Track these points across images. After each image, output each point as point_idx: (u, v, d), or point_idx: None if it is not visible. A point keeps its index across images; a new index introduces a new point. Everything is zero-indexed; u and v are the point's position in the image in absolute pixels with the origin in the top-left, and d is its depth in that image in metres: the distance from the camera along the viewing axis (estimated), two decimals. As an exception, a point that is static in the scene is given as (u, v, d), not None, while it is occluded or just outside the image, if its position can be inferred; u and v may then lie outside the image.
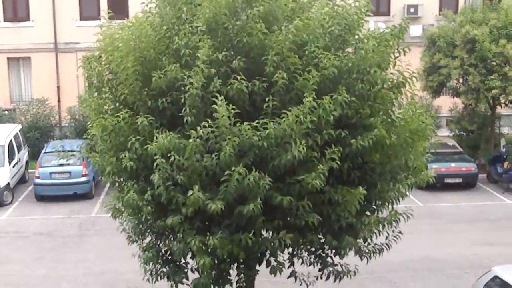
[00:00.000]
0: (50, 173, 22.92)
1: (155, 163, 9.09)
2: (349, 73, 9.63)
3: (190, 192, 8.87)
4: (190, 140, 8.87)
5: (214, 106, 8.91)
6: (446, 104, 27.91)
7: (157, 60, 9.68)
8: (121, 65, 9.69)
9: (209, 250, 9.29)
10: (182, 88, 9.43)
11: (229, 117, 8.80)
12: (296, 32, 9.37)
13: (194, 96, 9.16)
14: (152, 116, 9.50)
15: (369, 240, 10.63)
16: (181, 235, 9.56)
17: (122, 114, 9.54)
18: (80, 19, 29.27)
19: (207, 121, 8.91)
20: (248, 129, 8.79)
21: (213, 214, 9.04)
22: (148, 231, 10.56)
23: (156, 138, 9.08)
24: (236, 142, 8.76)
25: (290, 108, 8.97)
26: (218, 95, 8.98)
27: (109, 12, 10.66)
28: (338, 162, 9.20)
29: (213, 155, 8.94)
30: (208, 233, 9.36)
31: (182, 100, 9.37)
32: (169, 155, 8.97)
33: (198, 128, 8.90)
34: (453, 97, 26.01)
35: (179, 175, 9.00)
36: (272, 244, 9.74)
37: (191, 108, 9.25)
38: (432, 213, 21.08)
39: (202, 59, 9.16)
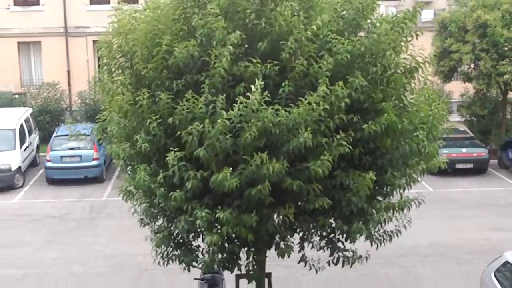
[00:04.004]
0: (61, 156, 23.02)
1: (183, 132, 9.01)
2: (362, 57, 9.59)
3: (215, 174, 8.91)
4: (219, 120, 8.87)
5: (251, 86, 8.87)
6: (457, 89, 27.78)
7: (173, 42, 9.63)
8: (145, 42, 9.65)
9: (216, 226, 9.32)
10: (200, 66, 9.41)
11: (259, 102, 8.80)
12: (320, 25, 9.34)
13: (218, 77, 9.15)
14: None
15: (379, 226, 10.61)
16: (189, 212, 9.55)
17: (143, 92, 9.49)
18: (90, 3, 29.26)
19: (233, 103, 8.90)
20: (267, 115, 8.78)
21: (224, 193, 9.05)
22: (160, 214, 10.61)
23: (176, 109, 9.09)
24: (259, 125, 8.77)
25: (304, 93, 8.96)
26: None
27: None
28: (350, 147, 9.18)
29: (229, 136, 8.93)
30: (217, 210, 9.35)
31: (198, 82, 9.36)
32: (197, 124, 8.93)
33: (230, 110, 8.88)
34: (464, 82, 25.90)
35: (202, 149, 8.99)
36: (279, 226, 9.74)
37: (210, 88, 9.26)
38: (443, 199, 21.06)
39: (232, 41, 9.13)
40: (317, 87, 9.03)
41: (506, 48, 23.27)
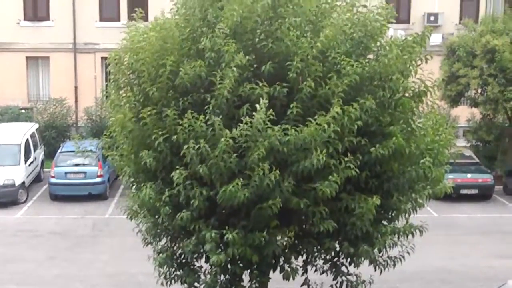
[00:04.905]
0: (66, 172, 22.96)
1: (184, 149, 9.02)
2: (371, 80, 9.57)
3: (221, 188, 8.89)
4: (222, 139, 8.84)
5: (256, 105, 8.87)
6: (464, 114, 27.72)
7: (180, 63, 9.65)
8: (152, 62, 9.66)
9: (222, 247, 9.26)
10: (206, 86, 9.41)
11: (264, 121, 8.77)
12: (325, 41, 9.35)
13: (222, 98, 9.15)
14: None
15: (384, 250, 10.52)
16: (196, 233, 9.50)
17: (148, 109, 9.49)
18: (100, 20, 29.37)
19: (232, 124, 8.89)
20: (274, 134, 8.77)
21: (229, 213, 8.97)
22: (164, 233, 10.54)
23: (181, 124, 9.10)
24: (266, 145, 8.74)
25: (313, 114, 8.94)
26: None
27: (140, 12, 10.62)
28: (357, 170, 9.12)
29: (235, 156, 8.91)
30: (225, 230, 9.29)
31: (205, 101, 9.34)
32: (199, 142, 8.92)
33: (234, 130, 8.87)
34: (471, 107, 25.85)
35: (202, 166, 8.95)
36: (284, 248, 9.68)
37: (215, 108, 9.22)
38: (447, 224, 20.91)
39: (236, 63, 9.14)
40: (326, 108, 9.00)
41: (513, 74, 23.23)
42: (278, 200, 8.92)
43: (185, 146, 9.02)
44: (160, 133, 9.34)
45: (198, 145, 8.93)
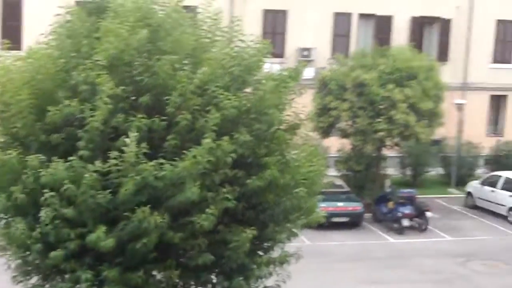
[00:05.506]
0: None
1: (43, 197, 8.77)
2: (248, 113, 9.74)
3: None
4: (86, 175, 8.65)
5: (125, 139, 8.73)
6: (335, 144, 28.64)
7: (54, 93, 9.42)
8: (15, 96, 9.35)
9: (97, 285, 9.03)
10: (77, 123, 9.21)
11: (136, 154, 8.66)
12: (203, 77, 9.41)
13: (94, 130, 8.96)
14: (44, 151, 9.16)
15: (260, 281, 10.63)
16: (70, 273, 9.21)
17: (12, 151, 9.12)
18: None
19: (108, 158, 8.73)
20: (148, 169, 8.68)
21: (104, 251, 8.81)
22: (35, 271, 10.10)
23: (49, 167, 8.79)
24: (138, 180, 8.63)
25: (190, 147, 8.94)
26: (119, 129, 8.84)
27: (6, 43, 10.31)
28: (234, 202, 9.22)
29: (108, 193, 8.74)
30: (101, 267, 9.05)
31: (78, 135, 9.14)
32: (63, 183, 8.67)
33: (96, 162, 8.69)
34: (342, 138, 26.74)
35: (68, 208, 8.72)
36: (162, 283, 9.57)
37: (88, 143, 9.04)
38: (320, 252, 21.40)
39: (107, 93, 9.00)
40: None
41: (381, 107, 24.28)
42: (153, 237, 8.80)
43: (43, 198, 8.75)
44: (29, 172, 8.99)
45: (61, 190, 8.68)
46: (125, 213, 8.72)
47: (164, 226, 8.85)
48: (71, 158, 8.89)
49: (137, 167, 8.68)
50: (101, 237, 8.58)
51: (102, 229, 8.61)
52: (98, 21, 9.91)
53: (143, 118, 9.04)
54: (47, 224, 8.81)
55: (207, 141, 8.94)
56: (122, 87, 9.23)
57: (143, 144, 8.74)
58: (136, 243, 8.84)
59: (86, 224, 8.89)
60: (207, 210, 8.95)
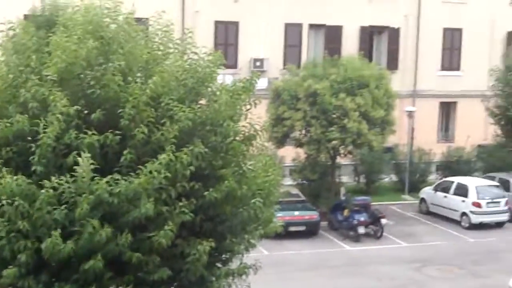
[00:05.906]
0: None
1: None
2: (203, 125, 9.71)
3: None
4: (42, 191, 8.49)
5: (78, 159, 8.61)
6: (290, 154, 28.78)
7: (3, 109, 9.24)
8: None
9: None
10: (30, 138, 9.05)
11: (88, 173, 8.54)
12: (154, 88, 9.34)
13: (46, 147, 8.81)
14: None
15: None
16: None
17: None
18: None
19: (62, 173, 8.59)
20: (102, 186, 8.56)
21: (61, 266, 8.65)
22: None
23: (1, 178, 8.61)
24: (92, 199, 8.51)
25: (146, 161, 8.86)
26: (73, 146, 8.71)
27: None
28: (191, 214, 9.16)
29: (64, 208, 8.59)
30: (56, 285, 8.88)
31: (31, 150, 8.98)
32: (14, 200, 8.51)
33: (53, 178, 8.55)
34: (296, 147, 26.89)
35: (23, 221, 8.54)
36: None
37: (40, 158, 8.88)
38: (278, 262, 21.41)
39: (60, 110, 8.86)
40: (159, 154, 8.97)
41: (334, 116, 24.54)
42: (99, 259, 8.64)
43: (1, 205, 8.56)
44: None
45: (14, 203, 8.51)
46: (77, 228, 8.58)
47: (125, 244, 8.71)
48: (20, 174, 8.73)
49: (90, 186, 8.56)
50: (57, 242, 8.40)
51: (56, 233, 8.44)
52: (48, 35, 9.78)
53: (94, 134, 8.92)
54: (2, 238, 8.60)
55: (163, 156, 8.87)
56: (76, 107, 9.09)
57: (96, 161, 8.60)
58: (86, 263, 8.69)
59: (41, 238, 8.71)
60: (165, 226, 8.85)
